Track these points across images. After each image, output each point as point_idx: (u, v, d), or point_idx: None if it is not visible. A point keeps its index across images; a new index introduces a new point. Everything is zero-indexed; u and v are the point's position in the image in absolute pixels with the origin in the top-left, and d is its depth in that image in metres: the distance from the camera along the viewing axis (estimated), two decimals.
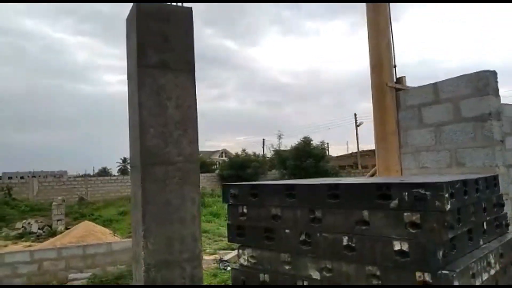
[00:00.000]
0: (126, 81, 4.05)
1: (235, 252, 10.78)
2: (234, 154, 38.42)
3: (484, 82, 4.04)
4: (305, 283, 1.51)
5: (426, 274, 1.24)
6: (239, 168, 28.97)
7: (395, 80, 5.08)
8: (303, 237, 1.55)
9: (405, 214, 1.29)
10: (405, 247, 1.28)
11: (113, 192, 28.88)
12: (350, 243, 1.42)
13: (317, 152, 27.98)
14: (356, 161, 38.04)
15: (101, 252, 9.23)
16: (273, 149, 31.71)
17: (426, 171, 4.68)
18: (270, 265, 1.64)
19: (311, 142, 28.81)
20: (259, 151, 37.30)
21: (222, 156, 60.02)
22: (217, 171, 33.55)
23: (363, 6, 5.31)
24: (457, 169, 4.35)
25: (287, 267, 1.58)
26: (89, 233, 11.63)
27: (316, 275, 1.50)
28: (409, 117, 4.85)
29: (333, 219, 1.47)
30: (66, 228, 15.71)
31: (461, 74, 4.30)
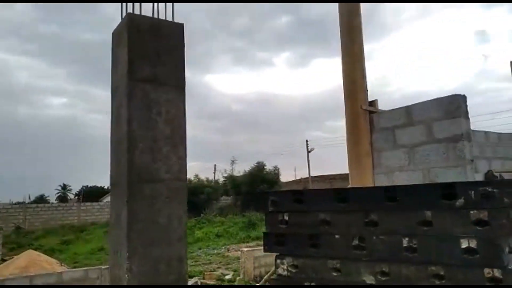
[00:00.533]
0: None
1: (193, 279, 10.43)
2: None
3: (456, 105, 4.34)
4: None
5: (495, 270, 1.29)
6: (192, 194, 28.37)
7: (368, 103, 5.32)
8: (356, 242, 1.55)
9: (471, 212, 1.34)
10: (473, 244, 1.33)
11: (54, 220, 27.03)
12: (411, 244, 1.44)
13: (270, 178, 28.25)
14: (305, 186, 38.76)
15: (51, 283, 8.51)
16: (226, 174, 31.58)
17: None
18: (315, 273, 1.60)
19: (265, 168, 29.09)
20: (211, 176, 36.89)
21: None
22: None
23: (338, 34, 5.56)
24: None
25: (335, 274, 1.56)
26: (34, 263, 10.73)
27: (370, 279, 1.49)
28: (382, 139, 5.07)
29: (390, 221, 1.49)
30: (3, 260, 14.38)
31: (432, 98, 4.59)
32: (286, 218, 1.71)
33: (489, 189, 1.35)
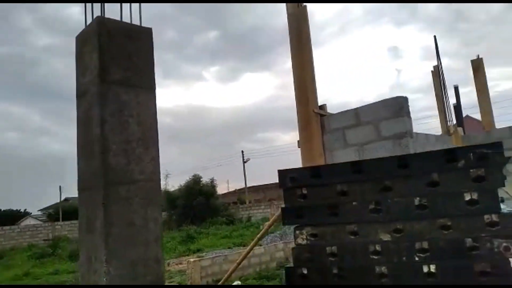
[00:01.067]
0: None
1: None
2: None
3: (400, 106, 4.87)
4: (377, 247, 1.72)
5: (493, 215, 1.58)
6: None
7: (318, 107, 5.71)
8: (372, 206, 1.77)
9: (471, 170, 1.63)
10: (475, 196, 1.61)
11: None
12: (422, 202, 1.69)
13: (207, 190, 28.06)
14: (240, 197, 39.12)
15: None
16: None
17: None
18: (334, 238, 1.79)
19: (201, 180, 28.83)
20: None
21: None
22: None
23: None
24: None
25: (353, 237, 1.77)
26: None
27: (387, 237, 1.72)
28: (334, 139, 5.47)
29: (403, 185, 1.73)
30: None
31: (378, 100, 5.09)
32: (305, 192, 1.89)
33: (485, 151, 1.66)
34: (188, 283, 9.93)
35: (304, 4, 5.91)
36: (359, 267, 1.73)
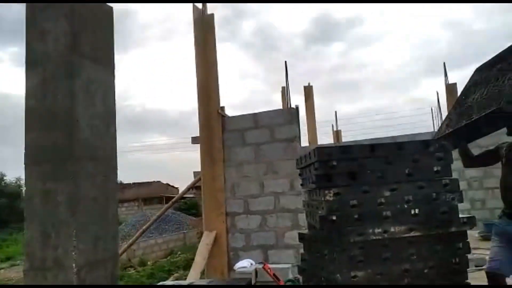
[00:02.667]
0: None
1: None
2: None
3: (292, 115, 6.04)
4: (382, 199, 2.62)
5: (447, 180, 2.69)
6: None
7: (221, 108, 6.42)
8: (379, 174, 2.66)
9: (437, 153, 2.72)
10: (438, 168, 2.70)
11: None
12: (408, 172, 2.68)
13: (12, 190, 23.85)
14: None
15: None
16: None
17: (247, 179, 6.16)
18: (354, 194, 2.61)
19: (4, 179, 24.35)
20: None
21: None
22: None
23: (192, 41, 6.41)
24: (271, 175, 6.06)
25: (365, 194, 2.63)
26: None
27: (387, 193, 2.62)
28: (233, 138, 6.26)
29: (399, 159, 2.69)
30: None
31: (275, 109, 6.15)
32: (334, 164, 2.65)
33: (444, 142, 2.78)
34: None
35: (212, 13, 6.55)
36: (370, 212, 2.63)
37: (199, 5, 6.63)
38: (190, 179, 8.36)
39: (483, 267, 5.67)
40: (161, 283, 4.78)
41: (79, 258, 3.33)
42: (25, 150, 3.56)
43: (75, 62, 3.43)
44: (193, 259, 5.73)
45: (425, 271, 2.64)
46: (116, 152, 3.88)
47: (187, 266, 8.43)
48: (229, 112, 6.61)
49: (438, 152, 2.74)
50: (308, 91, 12.88)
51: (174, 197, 8.81)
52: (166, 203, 16.51)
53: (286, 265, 5.33)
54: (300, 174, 3.43)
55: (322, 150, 2.68)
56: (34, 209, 3.44)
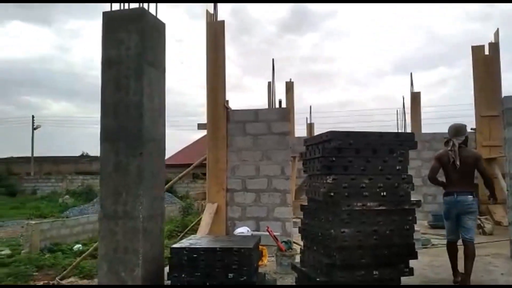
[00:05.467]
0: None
1: None
2: None
3: (286, 113, 7.36)
4: (363, 185, 4.02)
5: (405, 175, 4.15)
6: None
7: (227, 103, 7.63)
8: (362, 168, 4.05)
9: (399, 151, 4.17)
10: (400, 167, 4.16)
11: None
12: (382, 168, 4.09)
13: None
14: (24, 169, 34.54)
15: None
16: None
17: (246, 162, 7.46)
18: (345, 180, 3.98)
19: None
20: None
21: None
22: None
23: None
24: (266, 162, 7.39)
25: (353, 180, 4.01)
26: None
27: (367, 180, 4.03)
28: (236, 128, 7.52)
29: (375, 159, 4.08)
30: None
31: (272, 108, 7.45)
32: (334, 159, 4.03)
33: (403, 151, 4.24)
34: (27, 246, 9.83)
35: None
36: (355, 192, 4.01)
37: (211, 9, 7.75)
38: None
39: (428, 246, 7.41)
40: (178, 243, 6.02)
41: (143, 211, 4.59)
42: (101, 130, 4.72)
43: (143, 66, 4.60)
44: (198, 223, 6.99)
45: (387, 232, 4.06)
46: (164, 137, 5.11)
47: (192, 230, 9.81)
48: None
49: (399, 156, 4.17)
50: (289, 85, 14.30)
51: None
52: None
53: (275, 233, 6.71)
54: (303, 164, 4.78)
55: (326, 150, 4.05)
56: (108, 174, 4.61)
